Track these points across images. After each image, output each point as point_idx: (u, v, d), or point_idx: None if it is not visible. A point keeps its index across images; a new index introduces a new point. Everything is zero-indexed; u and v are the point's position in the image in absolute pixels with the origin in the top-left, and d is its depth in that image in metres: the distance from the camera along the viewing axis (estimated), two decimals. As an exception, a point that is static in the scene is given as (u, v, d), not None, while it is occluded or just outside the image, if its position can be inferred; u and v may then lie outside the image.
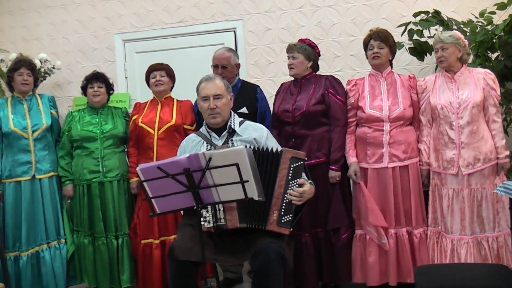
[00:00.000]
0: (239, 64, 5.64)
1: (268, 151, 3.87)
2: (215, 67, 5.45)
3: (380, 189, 4.96)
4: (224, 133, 4.13)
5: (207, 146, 4.08)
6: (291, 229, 3.85)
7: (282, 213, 3.82)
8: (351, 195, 5.16)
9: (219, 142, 4.10)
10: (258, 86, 5.60)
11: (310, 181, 3.98)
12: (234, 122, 4.17)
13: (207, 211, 3.80)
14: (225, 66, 5.41)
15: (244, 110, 5.27)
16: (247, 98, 5.42)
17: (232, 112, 4.25)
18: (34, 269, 5.36)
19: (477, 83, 4.81)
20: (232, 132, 4.14)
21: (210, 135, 4.16)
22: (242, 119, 4.31)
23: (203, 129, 4.24)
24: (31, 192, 5.36)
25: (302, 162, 3.87)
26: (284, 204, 3.81)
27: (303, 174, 3.96)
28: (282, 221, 3.81)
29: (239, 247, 3.86)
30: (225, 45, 6.29)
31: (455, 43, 4.83)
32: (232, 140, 4.10)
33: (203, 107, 4.14)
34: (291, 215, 3.83)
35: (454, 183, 4.79)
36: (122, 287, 5.54)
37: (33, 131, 5.39)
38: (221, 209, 3.81)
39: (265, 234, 3.79)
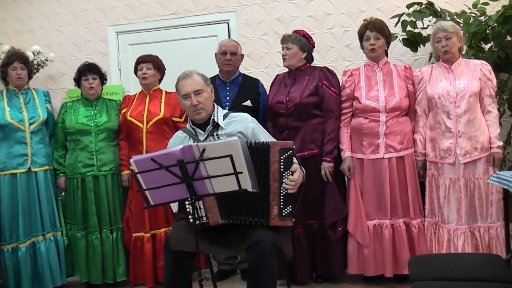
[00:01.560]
0: (243, 55, 5.65)
1: (256, 146, 3.81)
2: (222, 53, 5.45)
3: (376, 180, 4.97)
4: (208, 127, 4.08)
5: (193, 142, 4.01)
6: (293, 219, 3.84)
7: (281, 206, 3.79)
8: (345, 187, 5.16)
9: (202, 137, 4.07)
10: (259, 80, 5.62)
11: (300, 166, 3.93)
12: (217, 116, 4.11)
13: (195, 209, 3.78)
14: (234, 52, 5.44)
15: (248, 103, 5.29)
16: (250, 92, 5.43)
17: (215, 105, 4.18)
18: (32, 260, 5.36)
19: (474, 73, 4.82)
20: (216, 126, 4.09)
21: (195, 131, 4.12)
22: (226, 111, 4.26)
23: (188, 126, 4.20)
24: (27, 184, 5.35)
25: (291, 152, 3.83)
26: (282, 197, 3.79)
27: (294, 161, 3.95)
28: (283, 214, 3.79)
29: (234, 239, 3.85)
30: (219, 37, 6.32)
31: (456, 32, 4.83)
32: (217, 135, 4.07)
33: (186, 105, 4.08)
34: (290, 206, 3.81)
35: (451, 173, 4.80)
36: (118, 280, 5.56)
37: (30, 124, 5.38)
38: (202, 207, 3.79)
39: (259, 227, 3.79)
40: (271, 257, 3.62)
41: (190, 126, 4.16)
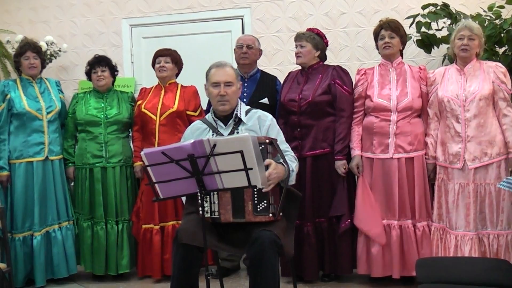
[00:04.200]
0: (261, 51, 5.65)
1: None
2: (239, 47, 5.47)
3: (384, 180, 4.95)
4: (231, 122, 4.09)
5: (213, 134, 4.05)
6: (271, 215, 3.79)
7: (255, 201, 3.79)
8: (355, 184, 5.15)
9: (225, 131, 4.06)
10: (277, 78, 5.60)
11: (280, 160, 3.89)
12: (240, 111, 4.12)
13: (207, 202, 3.79)
14: (250, 46, 5.44)
15: (265, 101, 5.30)
16: (268, 89, 5.43)
17: (239, 100, 4.19)
18: (46, 248, 5.39)
19: (487, 76, 4.74)
20: (239, 121, 4.10)
21: (216, 123, 4.12)
22: (249, 107, 4.26)
23: (209, 117, 4.19)
24: (43, 173, 5.38)
25: (264, 146, 3.79)
26: (255, 193, 3.79)
27: (275, 155, 3.90)
28: (258, 209, 3.79)
29: (241, 238, 3.86)
30: (233, 33, 6.32)
31: (480, 36, 4.78)
32: (238, 130, 4.06)
33: (213, 93, 4.08)
34: (265, 202, 3.79)
35: (460, 178, 4.72)
36: (120, 272, 5.57)
37: (48, 113, 5.41)
38: (216, 202, 3.82)
39: (264, 224, 3.77)
40: (270, 253, 3.62)
41: (212, 117, 4.15)
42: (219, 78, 4.07)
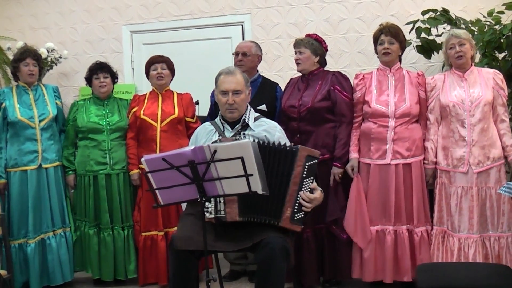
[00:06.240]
0: (261, 57, 5.61)
1: (284, 147, 3.81)
2: (235, 54, 5.47)
3: (381, 185, 4.95)
4: (237, 126, 4.09)
5: (219, 136, 4.06)
6: (302, 227, 3.84)
7: (295, 210, 3.79)
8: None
9: (229, 134, 4.07)
10: (278, 84, 5.57)
11: (320, 188, 3.94)
12: (249, 117, 4.12)
13: (210, 202, 3.78)
14: (245, 53, 5.42)
15: (263, 107, 5.25)
16: (267, 95, 5.40)
17: (249, 106, 4.20)
18: (41, 256, 5.40)
19: (488, 82, 4.79)
20: (245, 126, 4.10)
21: (223, 126, 4.12)
22: (258, 115, 4.26)
23: (217, 119, 4.21)
24: (37, 181, 5.37)
25: (316, 161, 3.84)
26: (297, 202, 3.80)
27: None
28: (295, 218, 3.79)
29: (240, 234, 3.82)
30: (233, 39, 6.31)
31: (469, 40, 4.84)
32: (244, 134, 4.06)
33: (221, 100, 4.08)
34: (303, 213, 3.81)
35: (463, 181, 4.75)
36: (129, 277, 5.59)
37: (40, 121, 5.40)
38: (222, 201, 3.79)
39: (269, 228, 3.77)
40: (280, 259, 3.62)
41: (220, 120, 4.16)
42: (227, 86, 4.05)
